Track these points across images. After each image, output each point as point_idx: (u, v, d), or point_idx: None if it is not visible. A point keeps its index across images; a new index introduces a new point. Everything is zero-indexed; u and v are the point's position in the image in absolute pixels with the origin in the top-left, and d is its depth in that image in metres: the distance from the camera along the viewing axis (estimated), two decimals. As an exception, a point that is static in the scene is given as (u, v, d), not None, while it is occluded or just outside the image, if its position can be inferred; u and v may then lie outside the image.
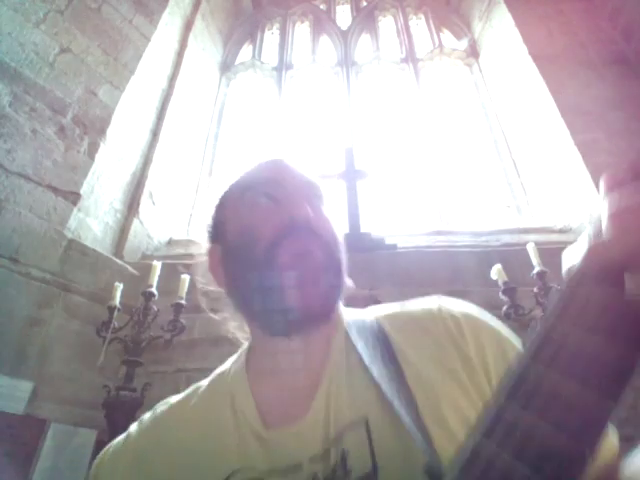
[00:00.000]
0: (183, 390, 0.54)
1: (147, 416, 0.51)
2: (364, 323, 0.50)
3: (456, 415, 0.39)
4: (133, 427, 0.51)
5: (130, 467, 0.46)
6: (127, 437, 0.50)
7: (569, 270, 0.29)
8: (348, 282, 0.52)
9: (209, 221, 0.60)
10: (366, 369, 0.43)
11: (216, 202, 0.59)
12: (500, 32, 3.64)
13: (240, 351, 0.55)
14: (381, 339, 0.47)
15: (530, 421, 0.24)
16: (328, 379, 0.46)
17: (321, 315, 0.48)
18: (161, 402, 0.53)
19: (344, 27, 4.38)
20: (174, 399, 0.53)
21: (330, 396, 0.44)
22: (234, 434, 0.45)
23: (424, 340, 0.46)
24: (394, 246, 2.33)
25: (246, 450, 0.43)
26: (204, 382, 0.53)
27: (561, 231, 2.65)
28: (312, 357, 0.48)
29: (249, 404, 0.47)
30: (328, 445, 0.41)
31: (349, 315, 0.53)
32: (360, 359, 0.45)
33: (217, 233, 0.58)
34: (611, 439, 0.40)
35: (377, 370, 0.43)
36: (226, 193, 0.58)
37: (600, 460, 0.35)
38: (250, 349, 0.53)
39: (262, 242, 0.47)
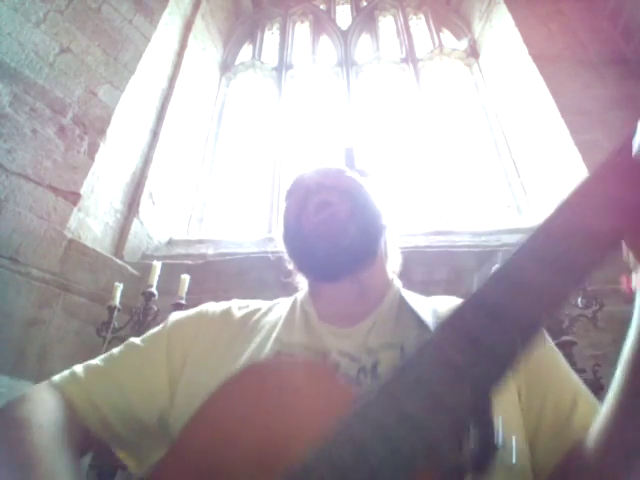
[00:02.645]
0: None
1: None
2: (418, 296, 0.57)
3: None
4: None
5: (204, 318, 0.58)
6: (205, 306, 0.62)
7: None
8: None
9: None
10: (413, 313, 0.49)
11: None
12: (500, 32, 3.64)
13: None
14: (431, 307, 0.51)
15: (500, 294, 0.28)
16: (378, 312, 0.53)
17: (356, 255, 0.54)
18: None
19: (344, 27, 4.38)
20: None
21: (377, 321, 0.52)
22: (287, 317, 0.55)
23: None
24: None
25: (289, 327, 0.53)
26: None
27: (561, 231, 2.65)
28: (366, 297, 0.55)
29: (309, 305, 0.57)
30: (363, 352, 0.47)
31: (409, 292, 0.58)
32: (410, 308, 0.50)
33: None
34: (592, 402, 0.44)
35: (423, 315, 0.47)
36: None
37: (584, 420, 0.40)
38: (310, 289, 0.61)
39: (293, 213, 0.60)
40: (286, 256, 0.66)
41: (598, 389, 1.39)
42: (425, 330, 0.45)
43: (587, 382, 1.39)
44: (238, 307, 0.61)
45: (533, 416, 0.44)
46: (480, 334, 0.26)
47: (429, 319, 0.46)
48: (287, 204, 0.64)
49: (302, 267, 0.61)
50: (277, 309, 0.59)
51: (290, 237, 0.61)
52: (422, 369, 0.26)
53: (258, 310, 0.59)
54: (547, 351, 0.50)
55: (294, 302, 0.60)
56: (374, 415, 0.25)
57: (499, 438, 0.25)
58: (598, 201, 0.29)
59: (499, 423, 0.25)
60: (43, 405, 0.46)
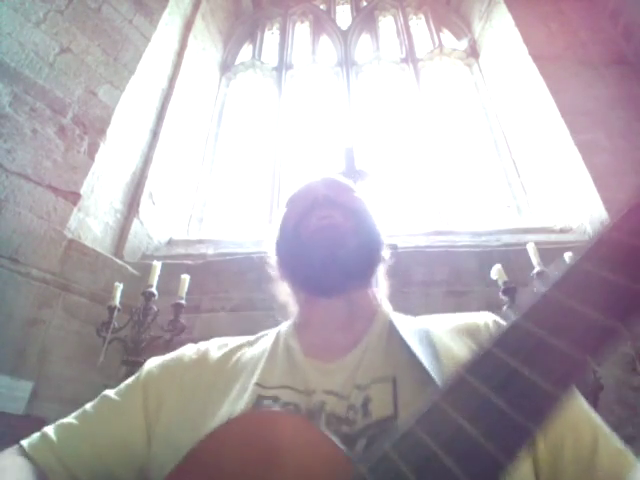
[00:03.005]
0: None
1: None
2: (409, 319, 0.54)
3: None
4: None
5: (179, 366, 0.55)
6: (181, 351, 0.59)
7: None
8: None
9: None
10: (403, 342, 0.46)
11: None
12: (500, 32, 3.64)
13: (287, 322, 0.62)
14: (423, 330, 0.49)
15: (515, 366, 0.25)
16: (366, 342, 0.50)
17: (354, 273, 0.54)
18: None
19: (344, 27, 4.38)
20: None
21: (365, 353, 0.48)
22: (270, 356, 0.52)
23: (463, 337, 0.48)
24: (394, 246, 2.33)
25: (271, 368, 0.50)
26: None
27: (561, 231, 2.65)
28: (354, 323, 0.53)
29: (293, 338, 0.54)
30: (351, 389, 0.44)
31: (399, 315, 0.56)
32: (399, 337, 0.48)
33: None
34: (627, 454, 0.40)
35: (413, 344, 0.45)
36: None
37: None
38: (297, 317, 0.59)
39: (293, 219, 0.58)
40: (274, 273, 0.64)
41: (598, 389, 1.39)
42: (416, 362, 0.42)
43: (587, 382, 1.39)
44: (217, 347, 0.57)
45: (550, 460, 0.39)
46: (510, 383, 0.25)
47: (419, 348, 0.44)
48: (288, 210, 0.62)
49: (294, 277, 0.59)
50: (260, 344, 0.56)
51: (285, 243, 0.59)
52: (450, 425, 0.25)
53: (239, 348, 0.56)
54: None
55: (277, 336, 0.56)
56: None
57: None
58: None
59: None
60: (11, 471, 0.43)
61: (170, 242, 2.85)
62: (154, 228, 2.76)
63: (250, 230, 2.99)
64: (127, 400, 0.52)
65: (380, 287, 0.62)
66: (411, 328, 0.49)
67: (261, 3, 4.58)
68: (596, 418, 0.42)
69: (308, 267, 0.54)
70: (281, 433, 0.34)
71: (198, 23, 3.76)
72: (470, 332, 0.49)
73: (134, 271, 2.28)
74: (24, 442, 0.48)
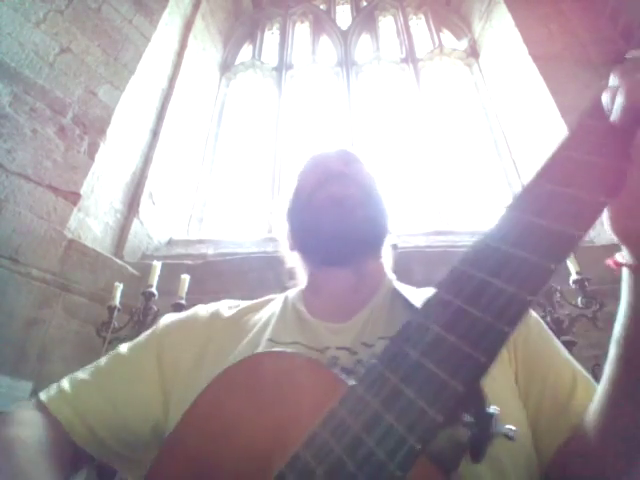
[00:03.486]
0: None
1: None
2: (411, 288, 0.57)
3: None
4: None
5: (191, 323, 0.57)
6: (194, 309, 0.61)
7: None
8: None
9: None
10: (407, 302, 0.49)
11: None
12: (500, 32, 3.64)
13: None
14: (425, 295, 0.51)
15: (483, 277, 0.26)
16: (372, 306, 0.53)
17: (363, 244, 0.55)
18: None
19: (344, 27, 4.38)
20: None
21: (371, 315, 0.51)
22: (280, 317, 0.54)
23: None
24: (394, 246, 2.33)
25: (282, 326, 0.52)
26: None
27: (561, 231, 2.65)
28: (361, 290, 0.55)
29: (301, 303, 0.56)
30: (360, 346, 0.47)
31: (402, 285, 0.58)
32: (403, 299, 0.50)
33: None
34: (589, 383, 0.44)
35: (416, 303, 0.46)
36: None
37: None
38: (306, 285, 0.61)
39: (306, 190, 0.59)
40: (286, 252, 0.65)
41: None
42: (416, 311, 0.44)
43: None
44: (228, 307, 0.60)
45: (533, 399, 0.44)
46: (470, 301, 0.25)
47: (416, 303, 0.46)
48: (301, 180, 0.63)
49: (305, 246, 0.60)
50: (268, 307, 0.58)
51: (297, 212, 0.60)
52: (413, 350, 0.25)
53: (248, 309, 0.59)
54: (541, 331, 0.50)
55: (285, 300, 0.58)
56: (367, 401, 0.25)
57: (496, 423, 0.24)
58: (579, 168, 0.28)
59: (496, 408, 0.25)
60: (28, 425, 0.45)
61: (170, 242, 2.85)
62: (154, 228, 2.76)
63: (250, 230, 2.99)
64: (142, 356, 0.53)
65: (386, 259, 0.65)
66: (413, 293, 0.52)
67: (261, 3, 4.57)
68: (576, 364, 0.46)
69: (320, 236, 0.55)
70: (290, 369, 0.36)
71: (198, 23, 3.76)
72: None
73: (134, 271, 2.28)
74: (42, 394, 0.50)
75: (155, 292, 1.92)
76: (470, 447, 0.24)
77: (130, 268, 2.30)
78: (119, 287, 1.93)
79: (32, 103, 2.26)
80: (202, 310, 0.59)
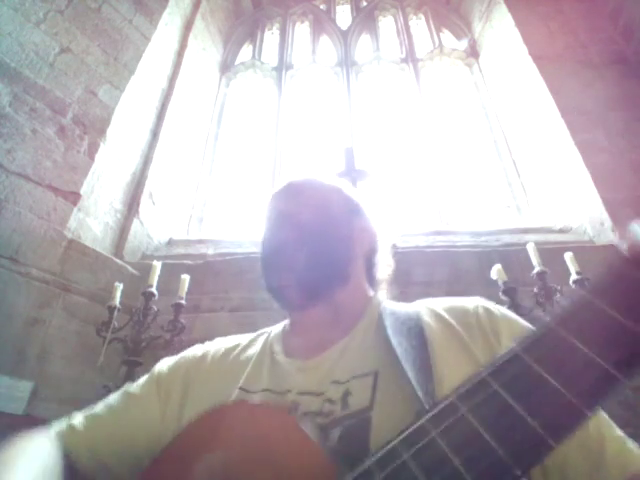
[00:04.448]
0: None
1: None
2: (402, 307, 0.54)
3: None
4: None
5: (178, 369, 0.58)
6: (188, 350, 0.62)
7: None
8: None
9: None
10: (387, 338, 0.47)
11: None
12: (500, 32, 3.64)
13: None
14: (414, 318, 0.50)
15: (538, 374, 0.26)
16: (348, 339, 0.51)
17: (316, 281, 0.54)
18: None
19: (344, 27, 4.38)
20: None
21: (346, 349, 0.50)
22: (256, 360, 0.54)
23: (451, 318, 0.49)
24: (394, 246, 2.33)
25: (256, 372, 0.52)
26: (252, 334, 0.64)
27: (561, 231, 2.65)
28: (340, 321, 0.54)
29: (279, 342, 0.56)
30: (329, 384, 0.45)
31: (392, 305, 0.56)
32: (386, 332, 0.48)
33: None
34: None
35: (396, 339, 0.46)
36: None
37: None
38: (287, 322, 0.62)
39: (262, 241, 0.60)
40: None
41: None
42: (392, 350, 0.44)
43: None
44: (216, 348, 0.60)
45: (557, 459, 0.40)
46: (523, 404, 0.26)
47: (404, 344, 0.45)
48: (264, 227, 0.64)
49: (273, 298, 0.60)
50: (254, 346, 0.59)
51: (261, 265, 0.60)
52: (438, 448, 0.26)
53: (234, 349, 0.59)
54: None
55: (266, 340, 0.59)
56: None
57: None
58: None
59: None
60: (38, 453, 0.47)
61: (170, 242, 2.85)
62: (154, 228, 2.76)
63: (250, 230, 2.99)
64: (144, 392, 0.56)
65: (374, 280, 0.62)
66: (401, 318, 0.50)
67: (261, 3, 4.58)
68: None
69: (272, 288, 0.57)
70: (253, 420, 0.37)
71: (198, 23, 3.76)
72: (457, 314, 0.49)
73: (134, 271, 2.28)
74: (53, 428, 0.52)
75: (155, 292, 1.92)
76: None
77: (130, 268, 2.30)
78: (119, 287, 1.93)
79: (32, 103, 2.26)
80: (194, 350, 0.61)
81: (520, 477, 0.24)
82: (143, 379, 0.59)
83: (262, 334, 0.61)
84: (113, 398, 0.57)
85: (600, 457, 0.39)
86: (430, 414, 0.28)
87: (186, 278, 1.95)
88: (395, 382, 0.41)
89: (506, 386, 0.27)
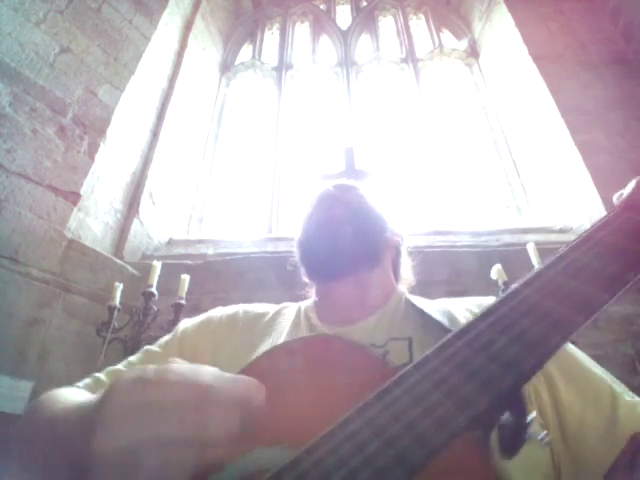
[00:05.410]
0: None
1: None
2: (423, 299, 0.59)
3: None
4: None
5: (206, 326, 0.61)
6: (210, 313, 0.65)
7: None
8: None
9: None
10: (419, 309, 0.52)
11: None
12: (500, 32, 3.64)
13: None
14: (442, 306, 0.54)
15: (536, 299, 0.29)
16: (381, 312, 0.57)
17: (355, 256, 0.59)
18: None
19: (344, 27, 4.38)
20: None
21: (380, 319, 0.55)
22: (293, 323, 0.58)
23: (473, 310, 0.54)
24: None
25: (295, 333, 0.56)
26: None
27: (561, 231, 2.65)
28: (367, 301, 0.59)
29: (312, 311, 0.61)
30: (369, 345, 0.48)
31: (415, 297, 0.60)
32: (416, 307, 0.54)
33: None
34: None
35: (429, 310, 0.50)
36: None
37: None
38: (315, 298, 0.65)
39: (306, 219, 0.66)
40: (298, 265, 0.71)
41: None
42: (433, 324, 0.47)
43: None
44: (244, 312, 0.63)
45: (574, 417, 0.45)
46: (517, 327, 0.27)
47: (437, 315, 0.48)
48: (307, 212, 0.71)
49: (307, 268, 0.66)
50: (283, 316, 0.62)
51: (301, 240, 0.66)
52: (464, 351, 0.28)
53: (264, 315, 0.62)
54: (576, 355, 0.52)
55: (299, 310, 0.63)
56: (415, 390, 0.27)
57: (530, 428, 0.26)
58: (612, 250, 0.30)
59: (533, 415, 0.26)
60: (73, 390, 0.50)
61: (170, 242, 2.85)
62: (154, 228, 2.76)
63: (250, 230, 2.99)
64: (166, 351, 0.58)
65: (400, 269, 0.71)
66: (427, 304, 0.54)
67: (261, 3, 4.58)
68: (607, 375, 0.48)
69: (314, 258, 0.63)
70: (331, 349, 0.39)
71: (198, 23, 3.76)
72: (479, 307, 0.53)
73: (134, 271, 2.29)
74: (78, 384, 0.54)
75: (155, 292, 1.92)
76: (504, 443, 0.26)
77: (130, 268, 2.30)
78: (119, 287, 1.93)
79: (32, 103, 2.26)
80: (219, 314, 0.63)
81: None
82: (165, 339, 0.61)
83: (287, 307, 0.65)
84: (134, 357, 0.59)
85: (614, 414, 0.43)
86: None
87: (186, 278, 1.95)
88: (429, 347, 0.44)
89: (504, 313, 0.29)
